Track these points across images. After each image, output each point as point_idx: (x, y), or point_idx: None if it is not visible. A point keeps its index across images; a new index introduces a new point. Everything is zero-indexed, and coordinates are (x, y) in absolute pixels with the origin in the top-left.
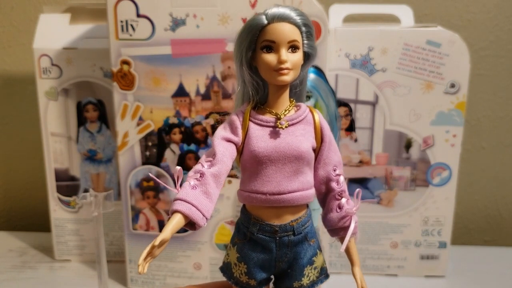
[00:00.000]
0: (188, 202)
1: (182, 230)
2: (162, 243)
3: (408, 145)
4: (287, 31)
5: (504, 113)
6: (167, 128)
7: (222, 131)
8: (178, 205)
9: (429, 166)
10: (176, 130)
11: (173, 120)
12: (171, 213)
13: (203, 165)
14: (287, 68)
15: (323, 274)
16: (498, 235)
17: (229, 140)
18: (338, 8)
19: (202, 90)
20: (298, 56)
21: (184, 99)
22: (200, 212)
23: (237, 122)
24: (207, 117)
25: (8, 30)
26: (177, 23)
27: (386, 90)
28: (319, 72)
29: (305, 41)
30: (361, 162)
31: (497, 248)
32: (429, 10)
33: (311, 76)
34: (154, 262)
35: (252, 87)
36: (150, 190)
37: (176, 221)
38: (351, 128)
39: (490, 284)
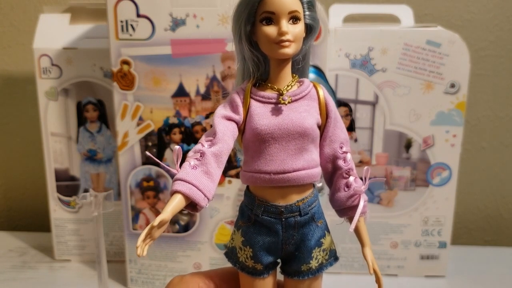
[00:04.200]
0: (189, 182)
1: (182, 230)
2: (161, 224)
3: (408, 145)
4: (287, 2)
5: (504, 113)
6: (167, 128)
7: (222, 110)
8: (178, 186)
9: (429, 166)
10: (176, 130)
11: (173, 120)
12: (171, 194)
13: (203, 145)
14: (288, 40)
15: (332, 256)
16: (498, 235)
17: (230, 119)
18: (338, 8)
19: (202, 90)
20: (299, 28)
21: (184, 99)
22: (201, 192)
23: (238, 100)
24: (207, 117)
25: (8, 30)
26: (177, 23)
27: (386, 90)
28: (319, 72)
29: (307, 12)
30: (361, 162)
31: (497, 248)
32: (429, 10)
33: (311, 76)
34: (154, 262)
35: (253, 63)
36: (150, 190)
37: (176, 202)
38: (351, 128)
39: (490, 284)
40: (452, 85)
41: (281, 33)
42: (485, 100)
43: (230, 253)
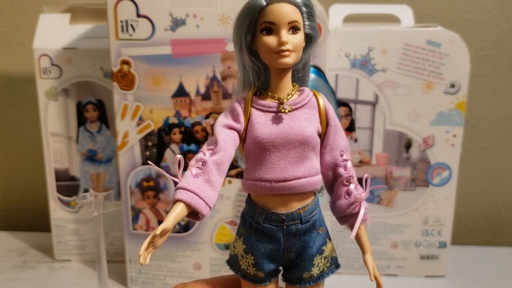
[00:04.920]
0: (190, 191)
1: (182, 230)
2: (163, 232)
3: (408, 145)
4: (287, 12)
5: (504, 113)
6: (167, 128)
7: (224, 119)
8: (180, 194)
9: (429, 166)
10: (176, 130)
11: (173, 120)
12: (173, 202)
13: (205, 153)
14: (288, 50)
15: (334, 263)
16: (498, 235)
17: (231, 128)
18: (338, 8)
19: (202, 90)
20: (299, 38)
21: (184, 99)
22: (203, 200)
23: (239, 108)
24: (207, 117)
25: (8, 30)
26: (177, 23)
27: (386, 90)
28: (319, 72)
29: (306, 22)
30: (361, 162)
31: (497, 248)
32: (429, 10)
33: (311, 76)
34: (154, 262)
35: (253, 72)
36: (150, 190)
37: (178, 210)
38: (351, 128)
39: (490, 284)
40: (452, 85)
41: (281, 43)
42: (485, 100)
43: (232, 260)
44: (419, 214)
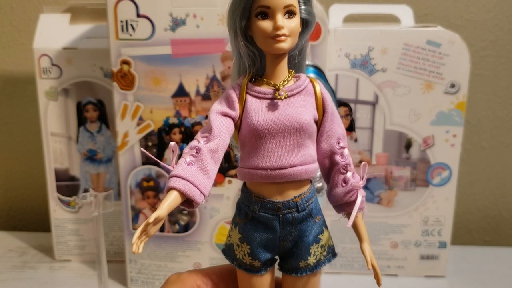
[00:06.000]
0: (184, 179)
1: (182, 230)
2: (157, 220)
3: (408, 145)
4: None
5: (504, 113)
6: (167, 128)
7: (218, 106)
8: (173, 182)
9: (429, 166)
10: (176, 130)
11: (173, 120)
12: (166, 190)
13: (199, 141)
14: (284, 35)
15: (330, 252)
16: (498, 235)
17: (225, 115)
18: (338, 8)
19: (202, 90)
20: (295, 22)
21: (184, 99)
22: (197, 188)
23: (234, 95)
24: (207, 117)
25: (8, 30)
26: (177, 23)
27: (386, 90)
28: (319, 72)
29: (302, 7)
30: (361, 162)
31: (497, 248)
32: (429, 10)
33: (311, 76)
34: (154, 262)
35: (248, 58)
36: (150, 190)
37: (172, 198)
38: (351, 128)
39: (490, 284)
40: (452, 85)
41: (276, 28)
42: (485, 100)
43: (228, 250)
44: (419, 214)
